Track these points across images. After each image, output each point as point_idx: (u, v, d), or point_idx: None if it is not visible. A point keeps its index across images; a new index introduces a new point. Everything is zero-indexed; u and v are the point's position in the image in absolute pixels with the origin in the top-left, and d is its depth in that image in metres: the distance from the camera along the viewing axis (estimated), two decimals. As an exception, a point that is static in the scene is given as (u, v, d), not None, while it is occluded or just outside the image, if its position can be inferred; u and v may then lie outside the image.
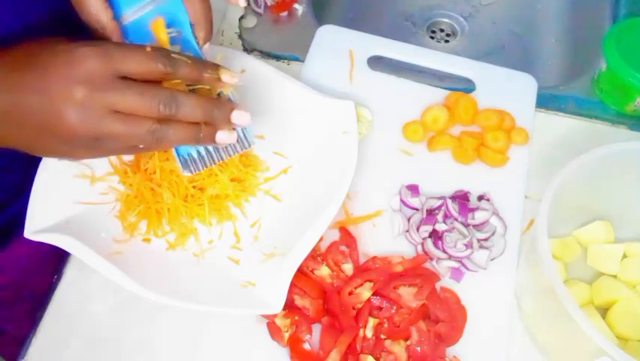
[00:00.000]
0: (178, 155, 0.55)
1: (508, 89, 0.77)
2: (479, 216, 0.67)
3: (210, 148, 0.56)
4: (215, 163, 0.57)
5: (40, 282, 0.74)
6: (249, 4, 0.84)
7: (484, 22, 1.03)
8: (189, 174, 0.56)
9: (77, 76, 0.47)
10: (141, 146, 0.50)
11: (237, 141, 0.56)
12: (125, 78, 0.48)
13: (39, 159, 0.62)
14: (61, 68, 0.47)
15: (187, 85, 0.54)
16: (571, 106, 0.78)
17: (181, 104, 0.50)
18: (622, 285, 0.63)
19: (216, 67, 0.52)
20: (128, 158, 0.64)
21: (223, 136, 0.53)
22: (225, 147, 0.57)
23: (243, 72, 0.68)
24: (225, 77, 0.53)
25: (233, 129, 0.54)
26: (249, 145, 0.57)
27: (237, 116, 0.53)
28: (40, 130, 0.49)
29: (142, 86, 0.49)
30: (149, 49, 0.49)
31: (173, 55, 0.50)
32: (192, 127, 0.51)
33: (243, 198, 0.66)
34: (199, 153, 0.56)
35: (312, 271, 0.63)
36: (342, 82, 0.77)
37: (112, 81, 0.48)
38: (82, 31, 0.53)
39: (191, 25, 0.57)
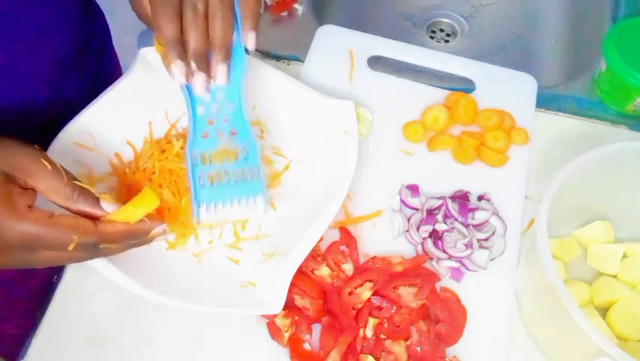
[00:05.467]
0: (196, 200, 0.59)
1: (508, 89, 0.77)
2: (479, 216, 0.67)
3: (227, 205, 0.60)
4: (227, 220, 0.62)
5: (39, 282, 0.74)
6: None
7: (484, 22, 1.03)
8: (202, 222, 0.59)
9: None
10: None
11: (253, 208, 0.60)
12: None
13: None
14: None
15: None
16: (571, 106, 0.78)
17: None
18: (622, 285, 0.63)
19: (146, 232, 0.53)
20: (127, 158, 0.64)
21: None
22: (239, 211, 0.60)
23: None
24: (157, 235, 0.55)
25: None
26: (263, 212, 0.61)
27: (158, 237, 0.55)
28: None
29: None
30: (71, 247, 0.47)
31: (101, 247, 0.50)
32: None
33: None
34: (215, 205, 0.59)
35: (312, 271, 0.63)
36: (342, 82, 0.77)
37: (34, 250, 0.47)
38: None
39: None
